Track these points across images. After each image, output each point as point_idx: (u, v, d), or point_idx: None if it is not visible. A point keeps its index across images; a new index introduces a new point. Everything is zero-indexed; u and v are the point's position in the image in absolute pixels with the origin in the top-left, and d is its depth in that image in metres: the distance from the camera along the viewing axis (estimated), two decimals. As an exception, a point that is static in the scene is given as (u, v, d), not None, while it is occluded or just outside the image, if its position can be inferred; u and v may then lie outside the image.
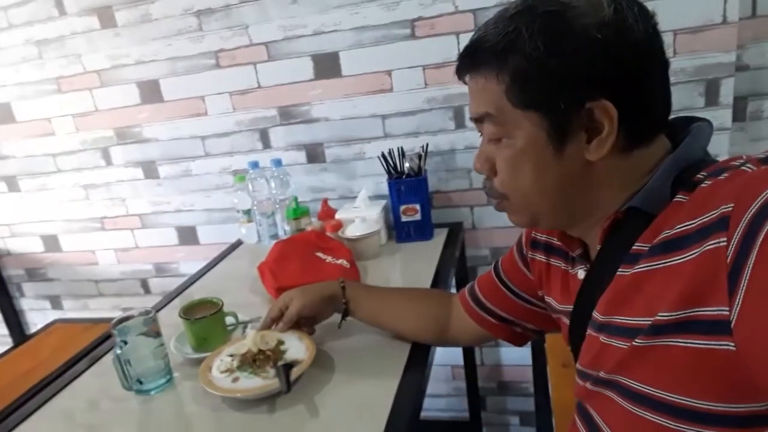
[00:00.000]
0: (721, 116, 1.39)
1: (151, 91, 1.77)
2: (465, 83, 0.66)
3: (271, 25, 1.60)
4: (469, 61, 0.64)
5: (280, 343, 0.93)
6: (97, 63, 1.78)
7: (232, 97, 1.71)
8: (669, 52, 1.37)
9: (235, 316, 1.11)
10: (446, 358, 1.84)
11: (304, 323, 1.00)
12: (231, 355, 0.92)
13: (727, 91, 1.37)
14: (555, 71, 0.57)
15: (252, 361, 0.88)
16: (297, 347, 0.92)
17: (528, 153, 0.61)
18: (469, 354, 1.76)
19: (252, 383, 0.84)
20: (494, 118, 0.62)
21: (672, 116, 0.66)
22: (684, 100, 1.40)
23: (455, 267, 1.43)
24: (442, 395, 1.91)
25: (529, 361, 1.64)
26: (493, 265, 0.95)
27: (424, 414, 0.92)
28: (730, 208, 0.46)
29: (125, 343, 0.92)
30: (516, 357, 1.79)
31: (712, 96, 1.39)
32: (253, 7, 1.60)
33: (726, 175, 0.52)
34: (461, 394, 1.86)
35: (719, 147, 1.40)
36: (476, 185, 1.63)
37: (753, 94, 1.41)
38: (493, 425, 1.92)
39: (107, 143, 1.89)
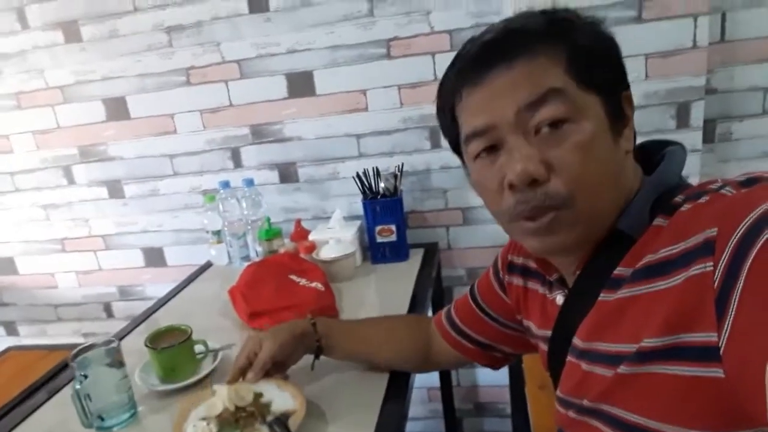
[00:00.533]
0: (691, 138, 1.41)
1: (117, 108, 1.71)
2: (460, 98, 0.60)
3: (244, 43, 1.57)
4: (517, 44, 0.56)
5: (258, 395, 0.82)
6: (61, 78, 1.72)
7: (203, 115, 1.67)
8: (641, 76, 1.43)
9: (205, 344, 1.06)
10: (422, 380, 1.81)
11: (274, 370, 0.90)
12: (204, 419, 0.79)
13: (698, 113, 1.40)
14: (611, 51, 0.58)
15: (234, 422, 0.77)
16: (280, 396, 0.83)
17: (599, 136, 0.55)
18: (445, 375, 1.73)
19: None
20: (563, 95, 0.54)
21: (644, 139, 0.66)
22: (656, 123, 1.42)
23: (432, 288, 1.41)
24: (419, 418, 1.88)
25: (506, 381, 1.63)
26: (469, 289, 0.92)
27: None
28: (714, 233, 0.46)
29: (85, 377, 0.86)
30: (493, 378, 1.77)
31: (683, 118, 1.41)
32: (225, 24, 1.57)
33: (706, 198, 0.51)
34: (438, 416, 1.83)
35: (691, 168, 1.42)
36: (452, 205, 1.61)
37: (722, 116, 1.45)
38: (470, 448, 1.89)
39: (70, 161, 1.81)
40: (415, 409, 1.85)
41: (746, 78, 1.40)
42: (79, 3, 1.63)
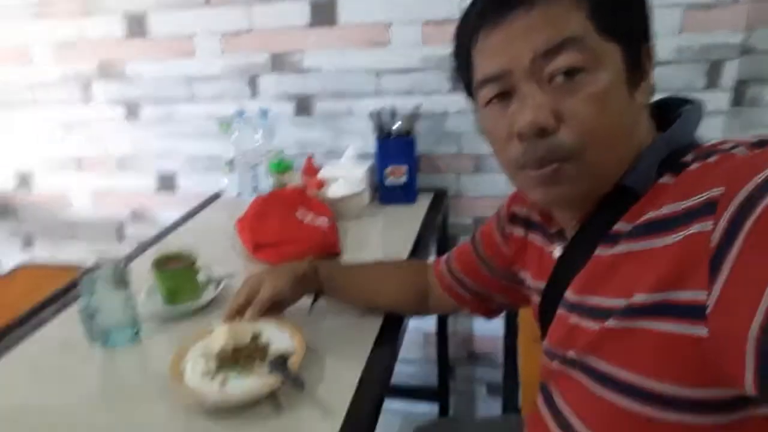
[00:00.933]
0: (718, 99, 1.36)
1: (137, 25, 1.68)
2: (475, 41, 0.58)
3: (267, -37, 1.52)
4: None
5: (256, 335, 0.83)
6: (79, -9, 1.68)
7: (223, 38, 1.63)
8: (675, 28, 1.36)
9: (209, 272, 1.08)
10: (419, 325, 1.84)
11: (271, 310, 0.89)
12: (202, 356, 0.80)
13: (730, 73, 1.34)
14: (633, 2, 0.56)
15: (233, 360, 0.79)
16: (278, 337, 0.83)
17: (615, 88, 0.54)
18: (442, 323, 1.76)
19: (247, 384, 0.75)
20: (581, 43, 0.53)
21: (665, 96, 0.64)
22: (685, 80, 1.36)
23: (437, 234, 1.42)
24: (412, 361, 1.93)
25: (500, 332, 1.65)
26: (470, 237, 0.92)
27: (393, 379, 0.91)
28: (719, 192, 0.45)
29: (92, 294, 0.89)
30: (488, 328, 1.80)
31: (713, 77, 1.35)
32: (248, -57, 1.50)
33: (715, 158, 0.50)
34: (431, 361, 1.87)
35: (712, 131, 1.37)
36: (465, 151, 1.59)
37: (755, 78, 1.38)
38: (461, 394, 1.94)
39: (88, 78, 1.80)
40: (410, 351, 1.90)
41: (788, 40, 1.32)
42: None
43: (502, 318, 1.62)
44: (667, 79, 1.37)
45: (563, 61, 0.53)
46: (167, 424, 0.75)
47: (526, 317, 1.53)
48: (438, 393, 1.87)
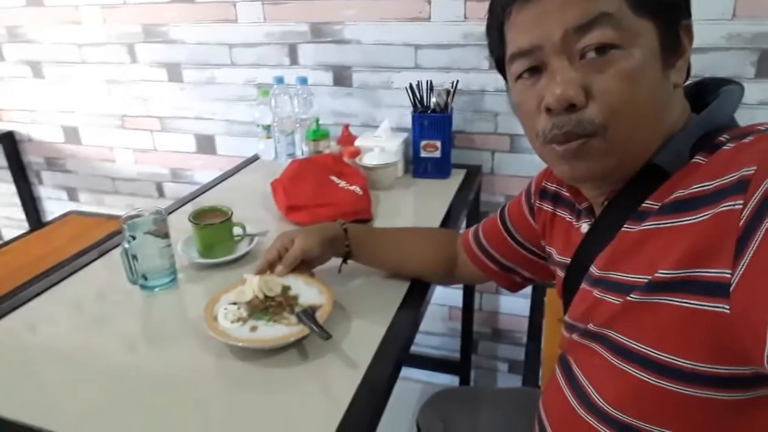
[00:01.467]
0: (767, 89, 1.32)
1: (182, -10, 1.72)
2: (508, 15, 0.58)
3: (313, -67, 1.52)
4: None
5: (286, 288, 0.87)
6: (130, -47, 1.72)
7: (264, 6, 1.65)
8: (727, 14, 1.32)
9: (243, 228, 1.12)
10: (445, 298, 1.87)
11: (301, 268, 0.93)
12: (234, 303, 0.84)
13: (781, 63, 1.29)
14: None
15: (264, 308, 0.82)
16: (307, 291, 0.87)
17: (646, 66, 0.54)
18: (468, 297, 1.78)
19: (276, 331, 0.78)
20: (614, 20, 0.52)
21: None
22: (733, 68, 1.32)
23: (467, 209, 1.42)
24: (436, 333, 1.95)
25: (526, 312, 1.66)
26: (499, 210, 0.93)
27: (417, 349, 0.93)
28: (752, 171, 0.45)
29: (133, 238, 0.94)
30: (514, 307, 1.81)
31: (763, 67, 1.31)
32: None
33: (751, 138, 0.50)
34: (455, 335, 1.90)
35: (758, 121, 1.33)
36: (501, 130, 1.58)
37: (808, 70, 1.33)
38: (482, 368, 1.97)
39: (133, 39, 1.85)
40: (435, 324, 1.93)
41: None
42: None
43: (528, 297, 1.63)
44: (714, 66, 1.34)
45: (595, 37, 0.53)
46: (199, 364, 0.79)
47: (553, 297, 1.53)
48: (459, 366, 1.90)
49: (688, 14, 0.57)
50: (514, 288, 0.96)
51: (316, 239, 0.92)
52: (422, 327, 1.69)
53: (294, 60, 1.70)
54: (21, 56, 2.04)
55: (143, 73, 1.89)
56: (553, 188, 0.78)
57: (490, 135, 1.60)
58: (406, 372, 0.80)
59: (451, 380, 1.95)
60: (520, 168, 1.61)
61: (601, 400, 0.56)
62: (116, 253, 1.12)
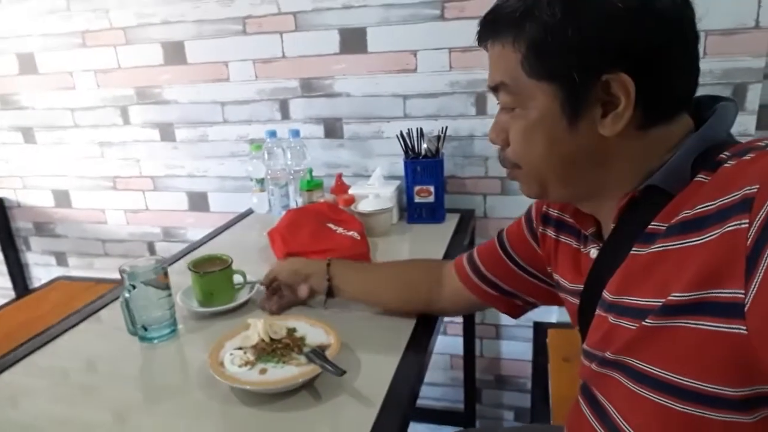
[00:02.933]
0: (745, 122, 1.37)
1: (175, 53, 1.77)
2: (486, 51, 0.65)
3: (301, -5, 1.60)
4: (489, 28, 0.62)
5: (292, 330, 0.87)
6: (124, 20, 1.78)
7: (256, 64, 1.71)
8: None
9: (243, 275, 1.11)
10: (445, 347, 1.84)
11: (285, 297, 1.04)
12: (240, 348, 0.83)
13: (754, 97, 1.36)
14: (570, 41, 0.55)
15: (271, 351, 0.81)
16: (313, 332, 0.87)
17: (541, 124, 0.60)
18: (469, 344, 1.75)
19: (287, 372, 0.76)
20: (508, 88, 0.61)
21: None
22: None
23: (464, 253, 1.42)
24: (438, 384, 1.91)
25: (528, 356, 1.64)
26: (496, 236, 0.92)
27: (418, 402, 0.91)
28: (755, 190, 0.45)
29: (133, 287, 0.92)
30: (516, 351, 1.79)
31: (738, 101, 1.37)
32: (284, -25, 1.59)
33: (751, 155, 0.50)
34: (458, 384, 1.86)
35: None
36: (492, 173, 1.62)
37: (780, 102, 1.40)
38: (487, 418, 1.91)
39: (126, 102, 1.89)
40: (436, 375, 1.89)
41: (811, 64, 1.34)
42: (146, -53, 1.68)
43: (530, 340, 1.61)
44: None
45: (501, 98, 0.63)
46: (206, 414, 0.76)
47: (554, 340, 1.52)
48: (464, 416, 1.85)
49: (616, 66, 0.55)
50: (516, 313, 0.94)
51: (288, 268, 1.04)
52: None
53: (285, 114, 1.74)
54: (13, 122, 2.06)
55: (136, 134, 1.92)
56: (556, 214, 0.79)
57: (481, 179, 1.63)
58: (410, 427, 0.77)
59: (456, 432, 1.89)
60: (512, 210, 1.63)
61: (629, 428, 0.55)
62: (104, 314, 1.10)
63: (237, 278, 1.10)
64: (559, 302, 0.80)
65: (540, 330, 1.60)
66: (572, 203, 0.70)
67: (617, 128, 0.56)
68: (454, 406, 1.90)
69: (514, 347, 1.78)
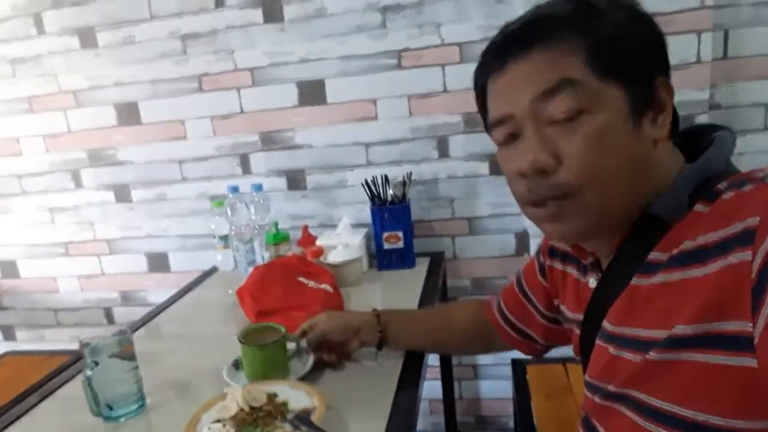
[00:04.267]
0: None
1: (128, 113, 1.73)
2: (484, 86, 0.62)
3: (257, 51, 1.61)
4: (535, 32, 0.57)
5: (272, 395, 0.83)
6: (74, 83, 1.74)
7: (214, 121, 1.69)
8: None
9: (297, 341, 0.98)
10: (424, 392, 1.76)
11: (333, 351, 0.98)
12: (218, 421, 0.77)
13: (701, 128, 1.43)
14: (640, 38, 0.56)
15: (252, 421, 0.76)
16: (295, 396, 0.82)
17: (614, 128, 0.55)
18: (447, 388, 1.71)
19: None
20: (576, 86, 0.54)
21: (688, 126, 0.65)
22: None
23: (438, 296, 1.41)
24: (419, 431, 1.85)
25: (508, 393, 1.61)
26: (515, 276, 0.92)
27: None
28: (756, 222, 0.46)
29: (96, 363, 0.86)
30: (495, 390, 1.76)
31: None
32: (239, 32, 1.60)
33: (750, 187, 0.51)
34: (439, 429, 1.80)
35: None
36: (458, 215, 1.63)
37: (725, 132, 1.47)
38: (471, 464, 1.86)
39: (78, 165, 1.82)
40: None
41: (749, 94, 1.43)
42: (96, 9, 1.66)
43: (509, 378, 1.59)
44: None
45: (559, 104, 0.55)
46: (184, 496, 0.70)
47: (535, 376, 1.50)
48: (448, 465, 1.78)
49: (664, 71, 0.58)
50: (537, 354, 0.94)
51: (337, 324, 0.97)
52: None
53: (247, 169, 1.72)
54: (-46, 192, 1.95)
55: (89, 197, 1.85)
56: (561, 247, 0.78)
57: (448, 221, 1.63)
58: None
59: (441, 481, 1.82)
60: (481, 250, 1.64)
61: None
62: (62, 392, 1.02)
63: (290, 345, 0.98)
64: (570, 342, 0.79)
65: (519, 367, 1.58)
66: (591, 238, 0.64)
67: (666, 132, 0.57)
68: (437, 455, 1.84)
69: (494, 386, 1.76)
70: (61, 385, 1.05)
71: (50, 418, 0.95)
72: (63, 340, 2.02)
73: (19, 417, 0.95)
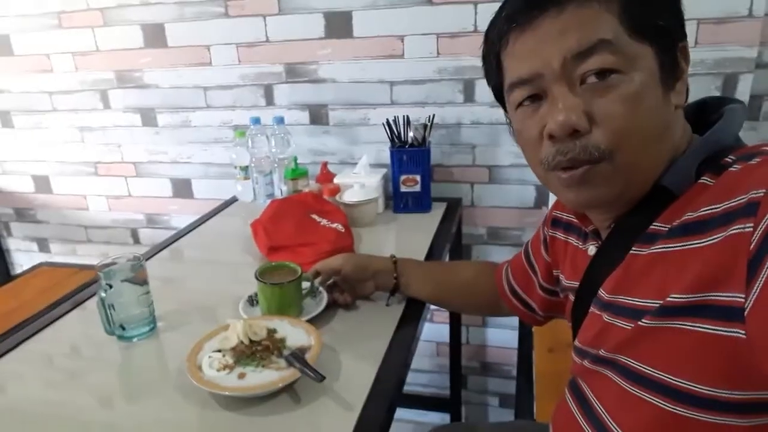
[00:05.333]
0: (735, 113, 1.36)
1: (155, 36, 1.72)
2: (506, 43, 0.59)
3: (285, -24, 1.55)
4: None
5: (272, 331, 0.84)
6: (102, 0, 1.72)
7: (239, 49, 1.66)
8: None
9: (311, 280, 1.00)
10: (432, 334, 1.84)
11: (347, 290, 0.99)
12: (219, 350, 0.81)
13: (745, 87, 1.34)
14: (667, 1, 0.55)
15: (250, 354, 0.79)
16: (294, 333, 0.84)
17: (648, 89, 0.53)
18: (455, 331, 1.75)
19: (265, 377, 0.75)
20: (613, 46, 0.53)
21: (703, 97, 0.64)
22: (698, 92, 1.33)
23: (450, 242, 1.41)
24: (424, 371, 1.92)
25: (514, 344, 1.64)
26: (524, 246, 0.93)
27: (405, 388, 0.90)
28: (761, 194, 0.44)
29: (110, 286, 0.90)
30: (501, 339, 1.79)
31: (728, 91, 1.35)
32: (267, -45, 1.54)
33: (758, 160, 0.50)
34: (444, 371, 1.87)
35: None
36: (479, 162, 1.59)
37: (771, 93, 1.38)
38: (473, 404, 1.93)
39: (106, 86, 1.83)
40: (422, 361, 1.90)
41: (803, 54, 1.33)
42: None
43: (516, 329, 1.61)
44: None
45: (595, 62, 0.53)
46: (184, 418, 0.75)
47: (540, 329, 1.52)
48: (450, 403, 1.86)
49: (684, 36, 0.57)
50: (537, 323, 0.95)
51: (353, 263, 0.98)
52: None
53: (270, 101, 1.70)
54: (-11, 106, 2.00)
55: (116, 119, 1.87)
56: (565, 217, 0.78)
57: (468, 167, 1.61)
58: (396, 412, 0.77)
59: (441, 418, 1.90)
60: (500, 199, 1.62)
61: (616, 427, 0.55)
62: (90, 304, 1.07)
63: (304, 284, 0.99)
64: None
65: (526, 319, 1.60)
66: (613, 205, 0.61)
67: (683, 98, 0.57)
68: (441, 393, 1.91)
69: (500, 335, 1.79)
70: (87, 298, 1.10)
71: (75, 328, 1.01)
72: (93, 255, 2.12)
73: (48, 324, 1.01)
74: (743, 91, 1.35)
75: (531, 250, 0.89)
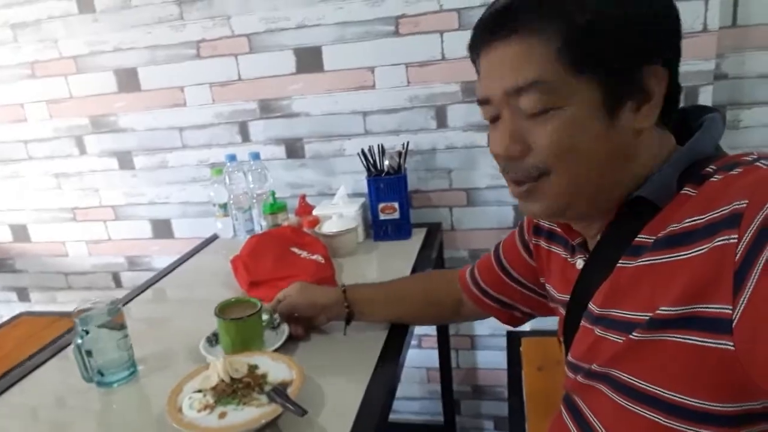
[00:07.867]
0: (699, 124, 1.40)
1: (128, 80, 1.73)
2: (475, 60, 0.62)
3: (254, 17, 1.58)
4: (505, 24, 0.56)
5: (253, 367, 0.84)
6: (74, 49, 1.74)
7: (212, 88, 1.68)
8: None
9: (270, 314, 1.01)
10: (421, 360, 1.83)
11: (300, 322, 0.99)
12: (199, 390, 0.80)
13: (706, 99, 1.38)
14: (617, 28, 0.53)
15: (231, 392, 0.78)
16: (275, 368, 0.83)
17: (582, 122, 0.54)
18: (444, 357, 1.74)
19: (247, 415, 0.73)
20: (545, 86, 0.54)
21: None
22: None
23: (432, 267, 1.42)
24: (416, 398, 1.89)
25: (504, 364, 1.63)
26: (493, 249, 0.93)
27: (398, 417, 0.90)
28: (744, 205, 0.45)
29: (87, 332, 0.89)
30: (492, 360, 1.78)
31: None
32: (235, -3, 1.57)
33: (739, 170, 0.51)
34: (436, 397, 1.85)
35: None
36: (456, 186, 1.61)
37: (731, 103, 1.43)
38: (468, 429, 1.90)
39: (81, 131, 1.84)
40: (413, 389, 1.88)
41: (757, 64, 1.38)
42: (90, -27, 1.64)
43: (504, 349, 1.61)
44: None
45: (527, 102, 0.56)
46: (165, 462, 0.73)
47: (529, 348, 1.52)
48: (444, 429, 1.84)
49: (658, 58, 0.55)
50: (516, 323, 0.95)
51: (304, 299, 0.98)
52: (400, 392, 1.64)
53: (245, 137, 1.72)
54: (-36, 158, 1.99)
55: (93, 163, 1.87)
56: (546, 225, 0.78)
57: (446, 191, 1.63)
58: None
59: (437, 446, 1.87)
60: (479, 221, 1.63)
61: None
62: (69, 351, 1.04)
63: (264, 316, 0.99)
64: (554, 313, 0.80)
65: (513, 339, 1.60)
66: (573, 220, 0.66)
67: (651, 121, 0.56)
68: (434, 419, 1.89)
69: (490, 357, 1.79)
70: (66, 346, 1.08)
71: (55, 376, 0.99)
72: (74, 302, 2.05)
73: (27, 374, 1.00)
74: (704, 102, 1.39)
75: (503, 254, 0.89)
